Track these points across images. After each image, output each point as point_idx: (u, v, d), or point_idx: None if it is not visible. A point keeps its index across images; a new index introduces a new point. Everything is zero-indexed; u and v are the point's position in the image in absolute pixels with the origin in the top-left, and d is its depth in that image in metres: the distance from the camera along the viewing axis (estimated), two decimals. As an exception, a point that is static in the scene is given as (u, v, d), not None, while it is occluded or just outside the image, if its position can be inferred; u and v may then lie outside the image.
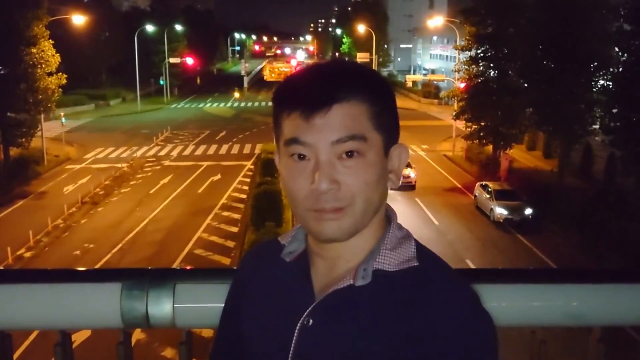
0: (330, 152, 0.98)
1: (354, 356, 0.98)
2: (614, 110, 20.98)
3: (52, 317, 1.25)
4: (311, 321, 1.02)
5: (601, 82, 24.42)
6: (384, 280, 1.00)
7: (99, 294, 1.23)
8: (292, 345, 1.02)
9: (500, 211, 20.42)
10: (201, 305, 1.25)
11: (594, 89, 24.68)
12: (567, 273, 1.47)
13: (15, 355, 1.31)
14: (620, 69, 21.80)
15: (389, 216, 1.09)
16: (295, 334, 1.02)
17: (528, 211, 20.48)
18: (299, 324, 1.02)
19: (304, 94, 0.98)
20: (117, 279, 1.23)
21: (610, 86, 22.58)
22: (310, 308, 1.02)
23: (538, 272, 1.50)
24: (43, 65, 26.91)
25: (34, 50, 26.56)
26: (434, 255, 1.06)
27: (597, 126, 24.28)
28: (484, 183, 22.75)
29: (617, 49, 22.64)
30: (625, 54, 21.32)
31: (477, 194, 22.68)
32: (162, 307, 1.24)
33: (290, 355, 1.02)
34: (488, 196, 21.44)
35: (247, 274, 1.17)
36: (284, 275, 1.10)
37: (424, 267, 1.02)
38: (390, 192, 1.06)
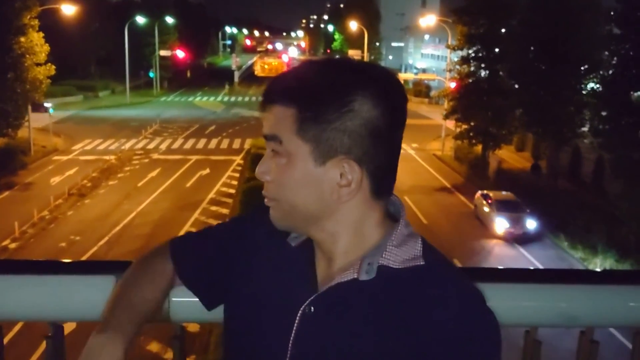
0: (268, 146, 1.04)
1: (354, 349, 0.98)
2: (603, 113, 21.10)
3: (43, 308, 1.24)
4: (313, 308, 1.02)
5: (591, 84, 24.58)
6: (388, 277, 1.00)
7: (92, 286, 1.21)
8: (293, 331, 1.02)
9: (501, 223, 18.98)
10: (197, 300, 1.23)
11: (584, 92, 24.84)
12: (561, 273, 1.48)
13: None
14: (610, 72, 21.93)
15: (395, 213, 1.08)
16: (297, 321, 1.02)
17: (531, 224, 19.05)
18: (300, 311, 1.03)
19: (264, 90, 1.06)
20: (110, 271, 1.22)
21: (600, 89, 22.71)
22: (312, 297, 1.03)
23: (531, 272, 1.51)
24: (31, 56, 26.70)
25: (22, 40, 26.32)
26: (440, 253, 1.06)
27: (586, 128, 24.45)
28: (484, 192, 21.20)
29: (606, 53, 22.79)
30: (615, 58, 21.45)
31: (477, 204, 21.23)
32: (156, 300, 1.22)
33: (290, 340, 1.02)
34: (488, 207, 20.10)
35: (252, 245, 1.16)
36: (289, 259, 1.10)
37: (429, 265, 1.02)
38: None
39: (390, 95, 1.01)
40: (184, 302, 1.23)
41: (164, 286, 1.18)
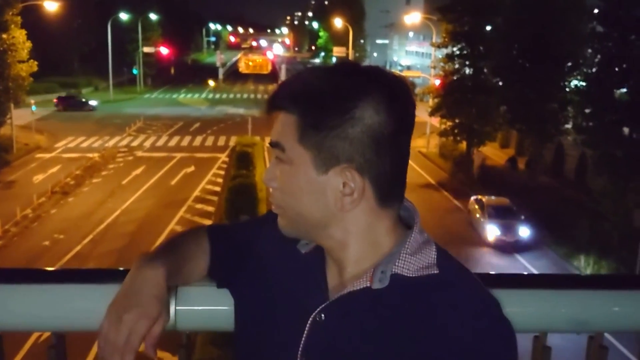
0: (273, 153, 1.03)
1: (365, 357, 0.96)
2: (587, 111, 21.28)
3: (46, 318, 1.21)
4: (323, 316, 1.01)
5: (575, 82, 24.80)
6: (401, 285, 0.98)
7: (97, 295, 1.18)
8: (303, 338, 1.01)
9: (492, 230, 18.20)
10: (203, 308, 1.21)
11: (568, 89, 25.06)
12: (570, 278, 1.47)
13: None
14: (594, 70, 22.12)
15: (408, 219, 1.06)
16: (307, 328, 1.01)
17: (524, 232, 18.26)
18: (310, 318, 1.01)
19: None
20: (116, 280, 1.19)
21: (584, 86, 22.91)
22: (324, 305, 1.01)
23: (541, 277, 1.50)
24: (13, 52, 26.42)
25: (4, 37, 26.04)
26: (455, 261, 1.04)
27: (569, 126, 24.66)
28: (478, 197, 20.41)
29: (590, 50, 22.98)
30: (599, 55, 21.64)
31: (470, 209, 20.54)
32: (163, 309, 1.20)
33: (300, 348, 1.01)
34: (481, 213, 19.33)
35: (265, 249, 1.15)
36: (300, 265, 1.08)
37: (444, 274, 1.00)
38: None
39: (395, 100, 0.99)
40: (190, 310, 1.21)
41: (205, 249, 1.19)
